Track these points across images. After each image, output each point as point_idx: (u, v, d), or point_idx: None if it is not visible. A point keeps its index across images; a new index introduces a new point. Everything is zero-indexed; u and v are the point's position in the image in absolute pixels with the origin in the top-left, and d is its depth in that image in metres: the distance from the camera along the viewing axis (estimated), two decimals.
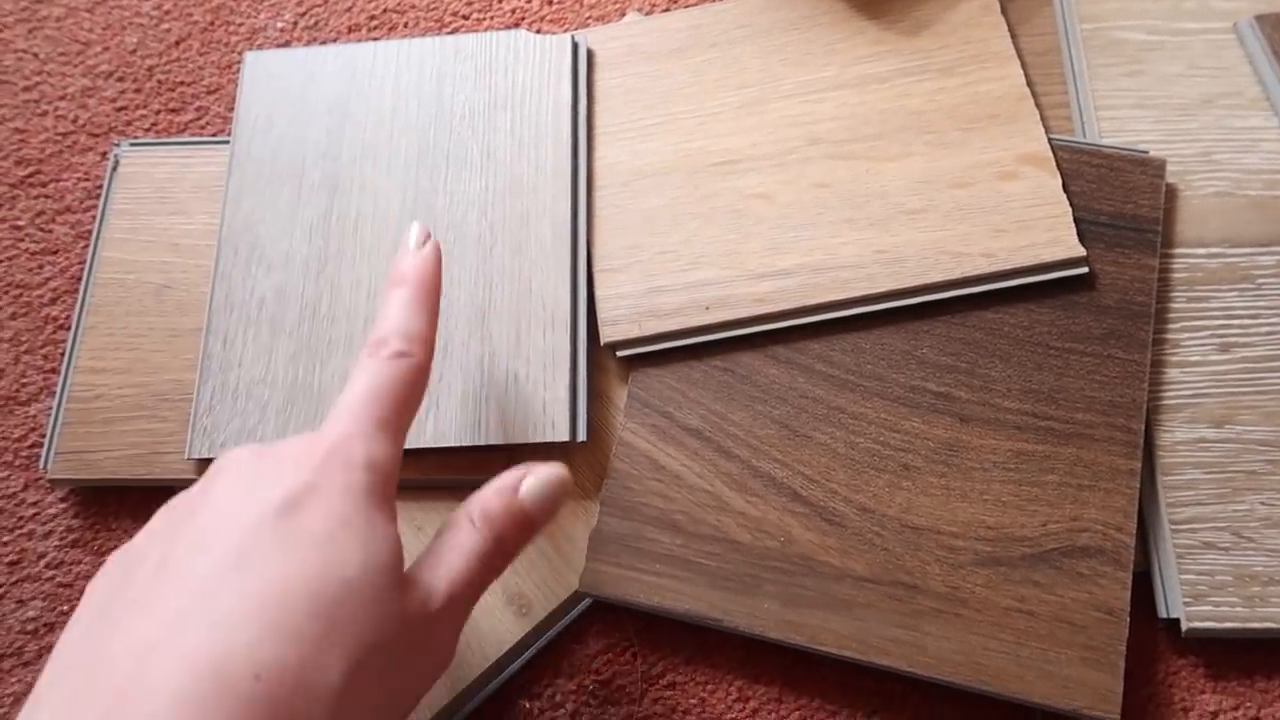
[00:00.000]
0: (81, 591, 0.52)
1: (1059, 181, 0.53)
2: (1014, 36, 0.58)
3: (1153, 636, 0.49)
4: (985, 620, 0.47)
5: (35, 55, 0.66)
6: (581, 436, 0.51)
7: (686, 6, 0.63)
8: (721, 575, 0.48)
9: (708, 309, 0.52)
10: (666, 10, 0.64)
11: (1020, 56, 0.57)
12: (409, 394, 0.39)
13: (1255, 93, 0.57)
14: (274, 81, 0.60)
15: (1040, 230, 0.52)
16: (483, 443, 0.51)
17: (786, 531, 0.49)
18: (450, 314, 0.53)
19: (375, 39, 0.65)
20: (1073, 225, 0.52)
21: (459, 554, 0.38)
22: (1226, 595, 0.47)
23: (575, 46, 0.59)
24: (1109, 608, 0.46)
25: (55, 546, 0.54)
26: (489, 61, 0.59)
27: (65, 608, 0.53)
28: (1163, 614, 0.48)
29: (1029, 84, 0.56)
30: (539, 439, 0.51)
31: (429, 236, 0.43)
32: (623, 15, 0.64)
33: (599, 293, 0.54)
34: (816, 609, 0.47)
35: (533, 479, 0.39)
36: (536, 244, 0.54)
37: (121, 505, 0.54)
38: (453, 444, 0.51)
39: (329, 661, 0.31)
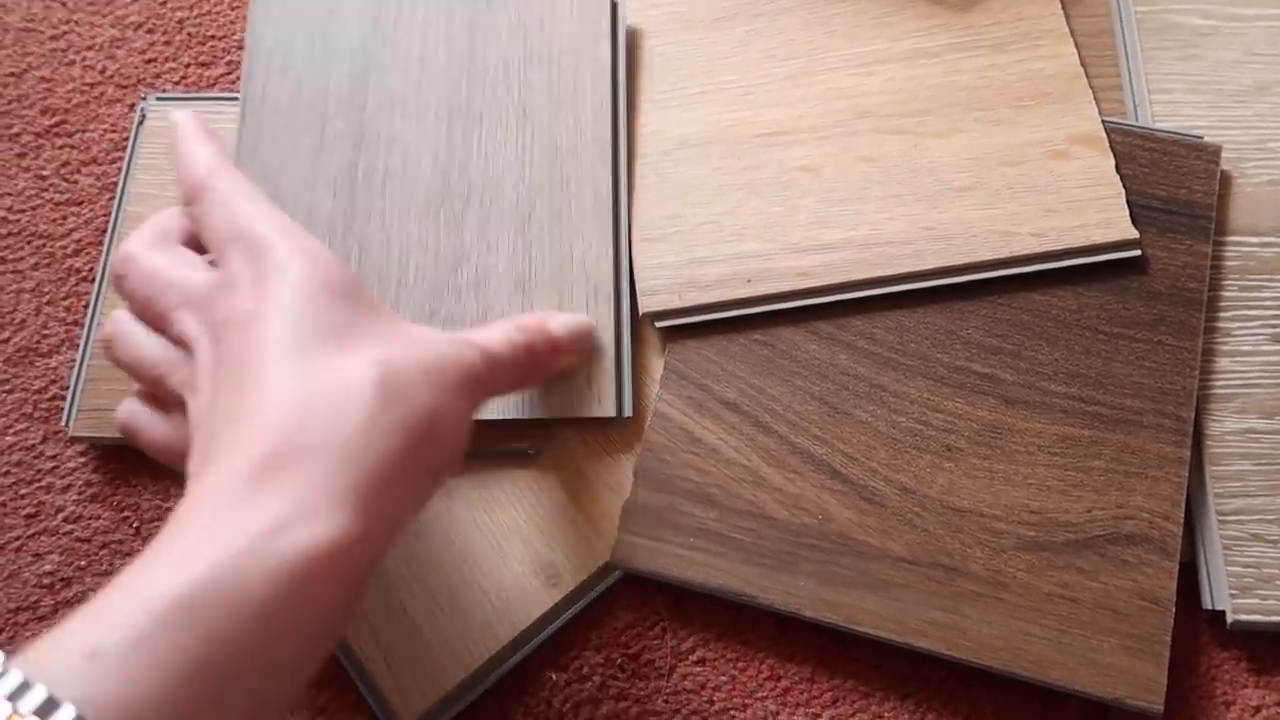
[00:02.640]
0: (100, 547, 0.52)
1: (1112, 162, 0.53)
2: (1066, 17, 0.57)
3: (1195, 628, 0.48)
4: (1027, 605, 0.46)
5: (63, 4, 0.65)
6: (628, 412, 0.50)
7: None
8: (757, 551, 0.47)
9: (749, 282, 0.51)
10: None
11: (1074, 39, 0.56)
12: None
13: None
14: (290, 18, 0.57)
15: (1092, 211, 0.51)
16: (526, 417, 0.50)
17: (824, 509, 0.48)
18: (488, 283, 0.52)
19: None
20: (1126, 207, 0.52)
21: (497, 331, 0.42)
22: (1274, 588, 0.47)
23: (614, 6, 0.58)
24: (1154, 597, 0.46)
25: (74, 501, 0.53)
26: (522, 15, 0.57)
27: (83, 562, 0.52)
28: (1207, 605, 0.48)
29: (1082, 64, 0.55)
30: (584, 414, 0.50)
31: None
32: None
33: (638, 262, 0.53)
34: (854, 588, 0.47)
35: (562, 316, 0.46)
36: (578, 211, 0.53)
37: (141, 461, 0.53)
38: (494, 417, 0.50)
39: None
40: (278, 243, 0.37)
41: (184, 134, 0.42)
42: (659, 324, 0.52)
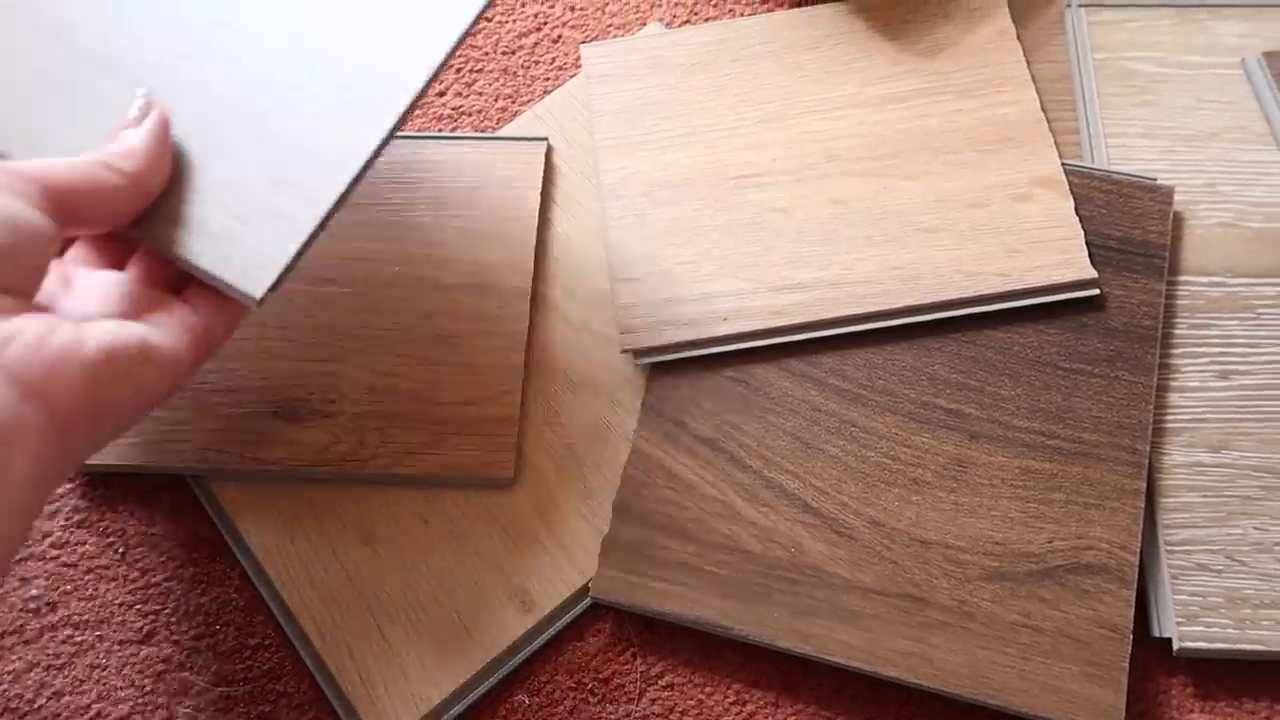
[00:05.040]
0: (85, 572, 0.50)
1: (1072, 204, 0.53)
2: (1028, 64, 0.57)
3: (1144, 655, 0.48)
4: (992, 634, 0.45)
5: None
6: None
7: (707, 19, 0.62)
8: (732, 584, 0.47)
9: (726, 320, 0.51)
10: (686, 21, 0.62)
11: (1035, 86, 0.56)
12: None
13: (1261, 127, 0.56)
14: None
15: (1053, 252, 0.51)
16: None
17: (797, 542, 0.47)
18: None
19: None
20: (1084, 248, 0.51)
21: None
22: (1218, 616, 0.47)
23: None
24: (1113, 624, 0.45)
25: (60, 526, 0.52)
26: None
27: (68, 587, 0.50)
28: (1155, 633, 0.47)
29: (1042, 108, 0.55)
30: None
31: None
32: (643, 24, 0.62)
33: (618, 300, 0.52)
34: (825, 619, 0.46)
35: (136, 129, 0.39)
36: None
37: (129, 488, 0.52)
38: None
39: None
40: None
41: None
42: (639, 361, 0.51)
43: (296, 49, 0.43)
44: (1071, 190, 0.53)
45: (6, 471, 0.33)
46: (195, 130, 0.41)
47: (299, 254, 0.39)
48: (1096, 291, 0.51)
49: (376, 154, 0.41)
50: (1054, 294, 0.51)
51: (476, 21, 0.43)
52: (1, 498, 0.33)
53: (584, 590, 0.48)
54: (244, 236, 0.39)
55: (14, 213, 0.35)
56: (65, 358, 0.34)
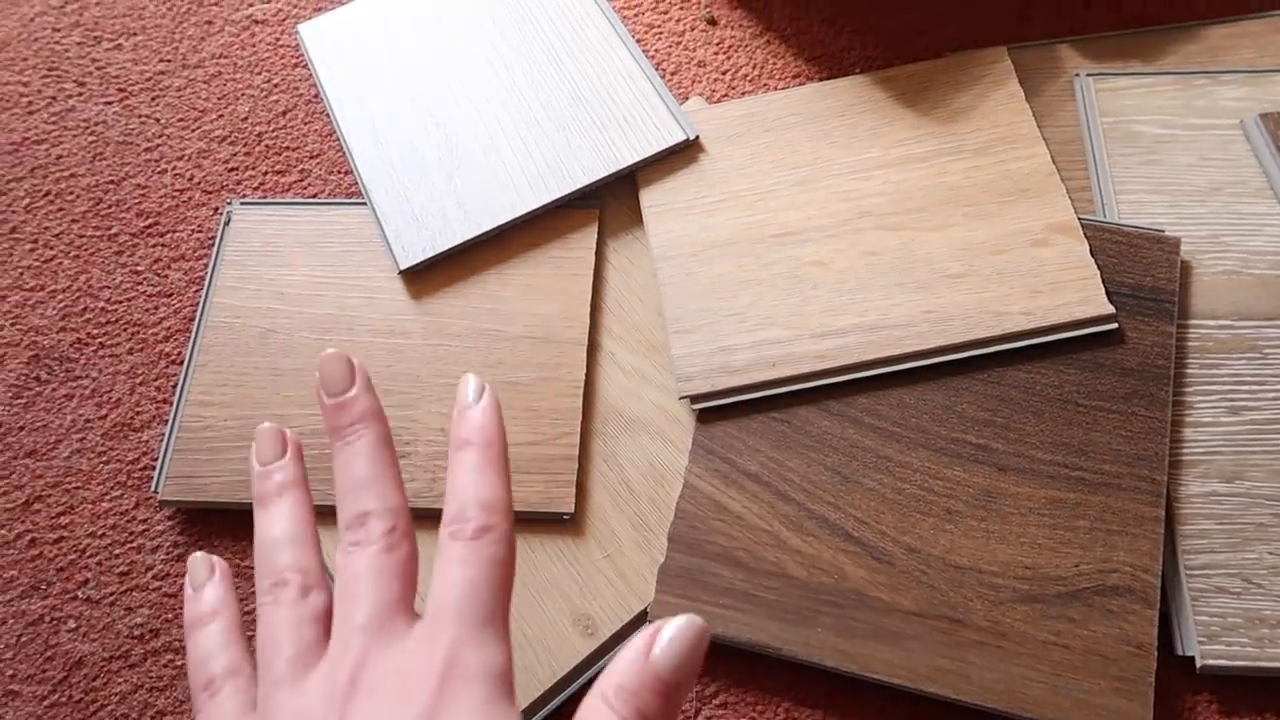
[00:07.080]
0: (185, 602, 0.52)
1: (1086, 247, 0.54)
2: (1039, 126, 0.58)
3: (1169, 674, 0.48)
4: (1025, 652, 0.46)
5: (157, 120, 0.67)
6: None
7: (744, 94, 0.64)
8: (780, 608, 0.48)
9: (774, 366, 0.52)
10: (725, 95, 0.64)
11: (1045, 142, 0.58)
12: (503, 575, 0.32)
13: (1260, 183, 0.57)
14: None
15: (1072, 290, 0.53)
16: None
17: (839, 568, 0.48)
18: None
19: None
20: (1101, 286, 0.53)
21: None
22: (1238, 636, 0.47)
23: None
24: (1138, 642, 0.46)
25: (162, 560, 0.54)
26: None
27: (169, 615, 0.52)
28: (1179, 651, 0.48)
29: (1054, 163, 0.57)
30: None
31: (484, 389, 0.35)
32: (685, 99, 0.64)
33: (674, 352, 0.54)
34: (868, 640, 0.47)
35: (666, 638, 0.29)
36: None
37: (224, 524, 0.54)
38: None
39: None
40: (477, 673, 0.30)
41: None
42: (695, 407, 0.53)
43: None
44: (1085, 238, 0.54)
45: None
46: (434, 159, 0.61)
47: (449, 250, 0.58)
48: (1115, 326, 0.52)
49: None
50: (1075, 329, 0.52)
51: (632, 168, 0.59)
52: None
53: (643, 615, 0.50)
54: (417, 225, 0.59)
55: None
56: None
